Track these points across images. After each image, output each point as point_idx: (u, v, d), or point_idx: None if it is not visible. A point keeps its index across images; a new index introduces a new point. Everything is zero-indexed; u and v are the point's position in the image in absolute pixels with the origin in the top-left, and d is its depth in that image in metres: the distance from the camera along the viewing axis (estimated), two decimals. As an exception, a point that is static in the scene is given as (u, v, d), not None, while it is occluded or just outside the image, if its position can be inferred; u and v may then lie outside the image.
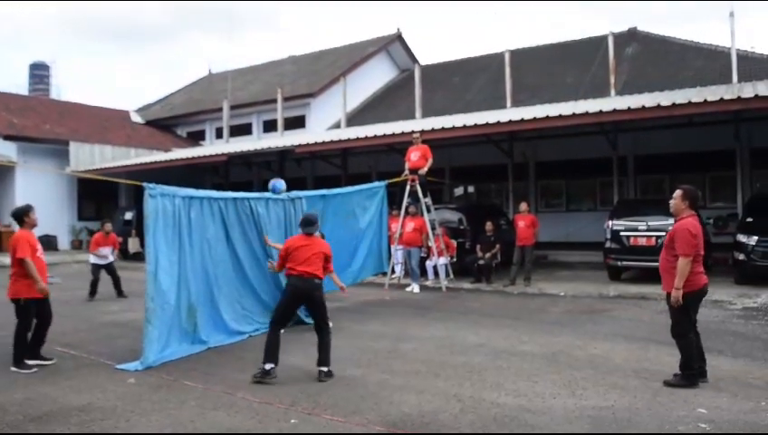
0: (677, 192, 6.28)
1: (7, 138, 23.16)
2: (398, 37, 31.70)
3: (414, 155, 13.51)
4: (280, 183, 9.45)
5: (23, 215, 7.19)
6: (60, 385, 6.30)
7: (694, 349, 6.00)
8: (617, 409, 5.28)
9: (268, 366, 6.22)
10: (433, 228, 13.49)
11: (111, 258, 12.70)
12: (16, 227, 7.42)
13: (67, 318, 9.52)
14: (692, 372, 5.93)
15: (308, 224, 6.81)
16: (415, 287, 13.10)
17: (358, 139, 17.20)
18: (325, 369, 6.35)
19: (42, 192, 22.39)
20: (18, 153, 23.35)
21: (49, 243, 22.53)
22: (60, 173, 23.35)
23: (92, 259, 12.64)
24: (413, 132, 14.13)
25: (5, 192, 23.53)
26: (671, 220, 12.13)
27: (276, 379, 6.20)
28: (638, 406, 5.35)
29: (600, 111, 13.12)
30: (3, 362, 7.25)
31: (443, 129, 15.31)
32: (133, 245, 20.67)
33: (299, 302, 6.79)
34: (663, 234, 12.30)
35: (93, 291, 12.28)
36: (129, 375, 6.63)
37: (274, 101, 25.49)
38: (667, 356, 7.04)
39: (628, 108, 12.79)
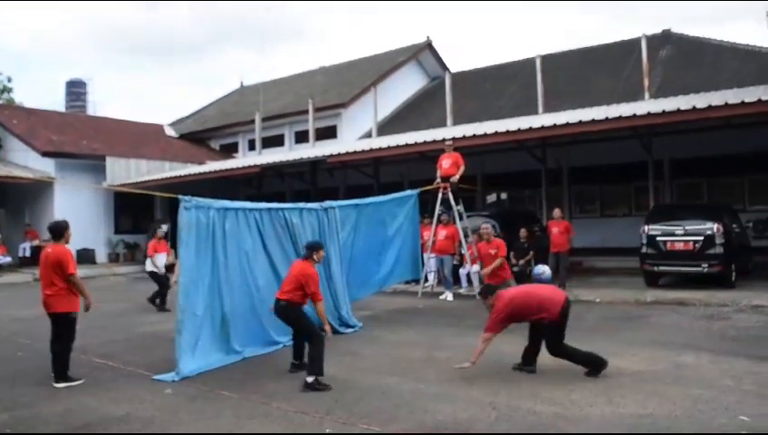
0: None
1: (46, 154, 23.75)
2: (428, 45, 31.70)
3: (446, 162, 13.50)
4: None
5: (64, 231, 7.22)
6: (99, 396, 6.42)
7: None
8: (656, 417, 5.18)
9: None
10: (466, 236, 13.42)
11: (163, 267, 12.99)
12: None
13: (104, 329, 9.72)
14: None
15: (307, 248, 7.29)
16: (448, 295, 13.02)
17: (389, 147, 17.22)
18: (309, 379, 6.35)
19: (79, 207, 22.89)
20: (56, 169, 23.92)
21: (87, 256, 23.00)
22: (97, 187, 23.82)
23: (149, 266, 12.90)
24: (445, 140, 14.11)
25: (45, 208, 24.09)
26: (709, 224, 12.07)
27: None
28: (677, 414, 5.24)
29: (634, 115, 12.94)
30: (41, 375, 7.43)
31: (474, 136, 15.25)
32: (169, 257, 20.97)
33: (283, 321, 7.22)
34: (701, 238, 12.10)
35: (155, 298, 12.74)
36: (166, 386, 6.73)
37: (306, 112, 25.69)
38: (707, 363, 6.90)
39: (663, 111, 12.58)
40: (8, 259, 21.67)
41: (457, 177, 13.25)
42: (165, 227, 21.91)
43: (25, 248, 23.31)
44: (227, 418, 5.54)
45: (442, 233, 13.32)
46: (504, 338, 8.69)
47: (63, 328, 7.05)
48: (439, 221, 13.50)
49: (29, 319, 11.79)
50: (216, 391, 6.45)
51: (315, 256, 7.13)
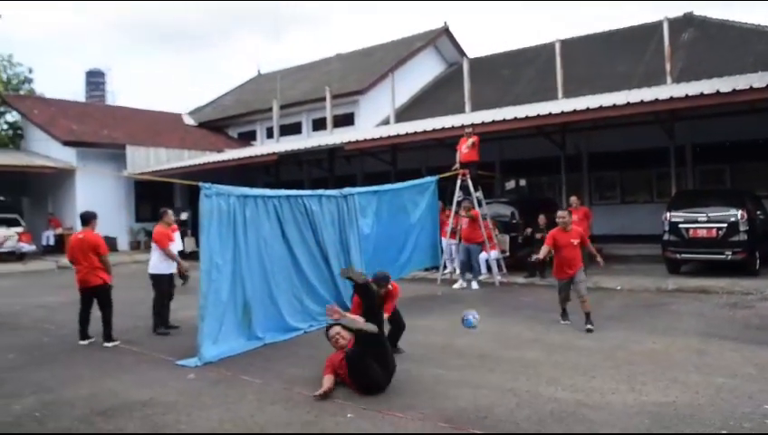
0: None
1: (67, 143, 24.03)
2: (446, 31, 31.47)
3: (464, 148, 13.44)
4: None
5: (92, 219, 8.62)
6: (123, 380, 6.51)
7: None
8: (678, 405, 5.14)
9: None
10: (483, 219, 13.33)
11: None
12: (78, 228, 8.82)
13: (126, 316, 9.82)
14: None
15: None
16: (474, 284, 12.75)
17: (407, 134, 17.18)
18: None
19: (101, 195, 23.16)
20: (78, 158, 24.19)
21: (108, 244, 23.11)
22: (118, 176, 24.06)
23: (159, 266, 12.50)
24: (464, 126, 14.03)
25: (67, 196, 24.43)
26: (732, 211, 11.90)
27: None
28: (700, 402, 5.20)
29: (656, 100, 12.77)
30: (66, 360, 7.56)
31: (493, 121, 15.15)
32: (189, 244, 21.14)
33: None
34: (724, 225, 11.95)
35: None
36: (189, 371, 6.80)
37: (323, 99, 25.68)
38: (730, 351, 6.83)
39: (686, 95, 12.40)
40: (32, 247, 21.98)
41: (471, 142, 13.30)
42: (184, 215, 22.24)
43: (49, 237, 23.66)
44: (250, 402, 5.59)
45: (465, 221, 12.95)
46: (526, 324, 8.70)
47: (104, 297, 8.41)
48: (459, 208, 13.22)
49: (53, 306, 11.99)
50: (238, 377, 6.51)
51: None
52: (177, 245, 11.39)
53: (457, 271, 13.54)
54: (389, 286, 6.98)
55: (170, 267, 9.39)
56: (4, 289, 10.14)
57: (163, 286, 9.28)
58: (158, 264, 9.29)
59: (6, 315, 10.11)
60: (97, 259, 8.36)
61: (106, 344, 8.21)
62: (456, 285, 12.68)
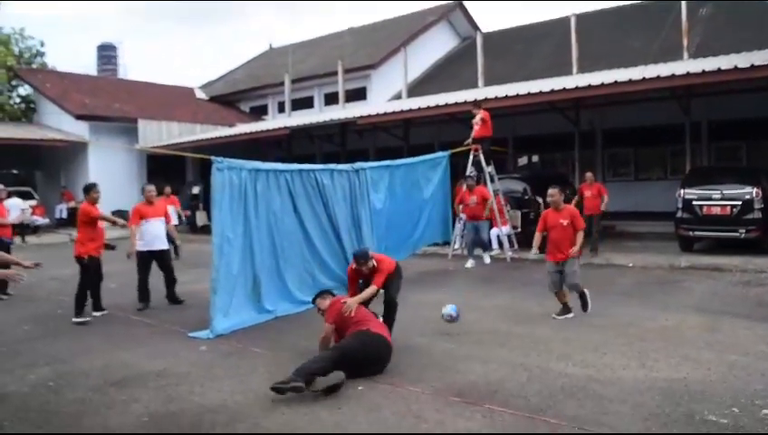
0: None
1: (80, 117, 24.08)
2: (459, 4, 31.11)
3: (474, 123, 13.33)
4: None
5: (88, 190, 8.36)
6: (136, 352, 6.58)
7: None
8: (689, 381, 5.13)
9: None
10: (495, 194, 13.26)
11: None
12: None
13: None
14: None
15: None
16: (486, 258, 12.68)
17: (419, 109, 17.07)
18: None
19: (113, 169, 23.25)
20: (90, 132, 24.26)
21: (121, 217, 23.39)
22: (130, 149, 24.11)
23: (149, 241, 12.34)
24: (475, 101, 13.90)
25: (80, 170, 24.54)
26: (747, 189, 11.76)
27: None
28: (711, 379, 5.18)
29: (673, 75, 12.58)
30: (81, 331, 7.65)
31: (507, 97, 15.01)
32: (201, 218, 21.26)
33: None
34: (738, 203, 11.82)
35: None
36: (201, 343, 6.86)
37: (335, 73, 25.52)
38: (742, 329, 6.80)
39: (703, 71, 12.20)
40: (46, 220, 22.15)
41: (479, 117, 13.15)
42: (196, 189, 22.32)
43: (62, 210, 23.83)
44: (261, 374, 5.63)
45: (473, 199, 12.49)
46: (536, 300, 8.68)
47: (80, 268, 8.19)
48: (468, 187, 12.67)
49: (67, 278, 12.05)
50: (249, 349, 6.56)
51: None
52: (173, 219, 11.56)
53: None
54: (373, 262, 6.70)
55: (146, 245, 8.99)
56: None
57: (140, 264, 8.97)
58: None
59: (21, 288, 10.15)
60: (83, 230, 8.20)
61: (75, 320, 8.05)
62: (468, 264, 12.49)
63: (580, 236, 7.78)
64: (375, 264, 6.66)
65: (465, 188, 12.71)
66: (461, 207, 12.74)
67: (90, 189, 8.36)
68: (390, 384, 5.25)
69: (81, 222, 8.23)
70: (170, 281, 9.22)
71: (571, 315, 7.57)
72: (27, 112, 30.62)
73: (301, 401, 4.91)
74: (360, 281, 6.74)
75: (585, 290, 7.75)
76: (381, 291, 6.67)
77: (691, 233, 12.50)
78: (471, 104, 13.87)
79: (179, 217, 15.81)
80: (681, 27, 17.98)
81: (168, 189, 14.89)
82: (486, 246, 12.81)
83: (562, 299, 7.71)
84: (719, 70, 12.04)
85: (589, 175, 13.17)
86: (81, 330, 7.69)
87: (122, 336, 7.31)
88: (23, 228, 18.74)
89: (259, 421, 4.56)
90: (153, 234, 9.00)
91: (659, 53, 19.49)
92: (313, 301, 6.31)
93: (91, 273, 8.23)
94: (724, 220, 11.94)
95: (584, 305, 7.72)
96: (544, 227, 7.94)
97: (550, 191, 7.96)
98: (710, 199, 12.16)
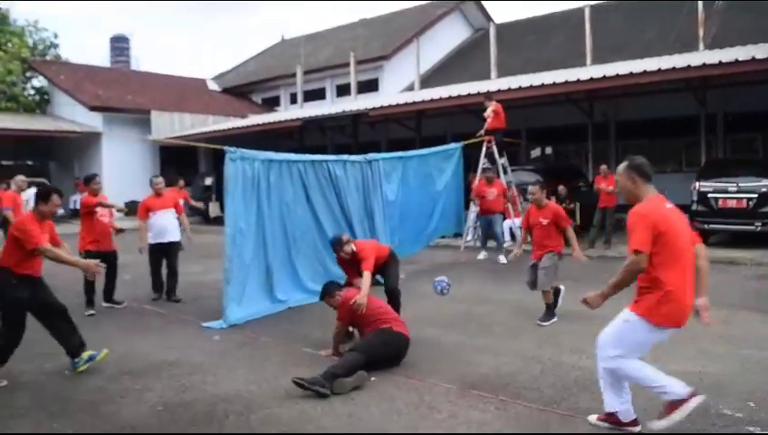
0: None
1: (93, 108, 24.21)
2: (472, -5, 30.94)
3: (486, 115, 13.27)
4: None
5: (86, 182, 8.35)
6: (150, 341, 6.63)
7: None
8: (704, 374, 5.10)
9: None
10: (508, 187, 13.19)
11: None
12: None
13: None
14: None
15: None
16: (501, 258, 11.74)
17: (432, 100, 17.01)
18: None
19: (126, 160, 23.39)
20: (104, 123, 24.39)
21: (135, 208, 23.53)
22: (143, 140, 24.23)
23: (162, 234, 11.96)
24: (487, 92, 13.84)
25: (93, 161, 24.70)
26: (764, 181, 11.63)
27: None
28: (726, 373, 5.16)
29: (689, 66, 12.46)
30: (98, 322, 7.70)
31: (520, 88, 14.93)
32: (213, 209, 21.35)
33: None
34: (755, 196, 11.70)
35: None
36: (215, 333, 6.90)
37: (347, 65, 25.48)
38: (757, 323, 6.74)
39: (720, 62, 12.07)
40: (60, 211, 22.28)
41: (490, 110, 13.01)
42: (209, 180, 22.40)
43: (76, 201, 23.94)
44: (274, 364, 5.66)
45: (492, 192, 12.17)
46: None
47: None
48: (488, 180, 12.35)
49: (81, 268, 12.17)
50: (262, 339, 6.60)
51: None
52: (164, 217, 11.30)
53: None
54: (352, 246, 6.55)
55: (155, 237, 8.78)
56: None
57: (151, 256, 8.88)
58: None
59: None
60: (82, 223, 8.18)
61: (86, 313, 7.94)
62: (480, 256, 12.42)
63: (570, 235, 7.41)
64: (354, 248, 6.53)
65: (483, 180, 12.44)
66: (477, 199, 12.58)
67: (90, 180, 8.24)
68: (404, 376, 5.25)
69: (82, 214, 8.23)
70: (172, 274, 8.96)
71: (555, 320, 7.10)
72: (41, 104, 30.81)
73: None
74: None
75: (557, 295, 7.34)
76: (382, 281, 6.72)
77: (706, 226, 12.38)
78: (483, 96, 13.82)
79: (189, 209, 16.10)
80: (697, 17, 17.77)
81: (181, 182, 14.92)
82: (500, 240, 12.33)
83: (546, 300, 7.27)
84: (736, 61, 11.91)
85: (603, 167, 13.07)
86: (96, 320, 7.75)
87: (136, 326, 7.37)
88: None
89: (273, 411, 4.58)
90: (161, 226, 8.78)
91: (675, 44, 19.29)
92: (322, 297, 6.06)
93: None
94: (739, 213, 11.83)
95: (548, 309, 7.18)
96: (528, 225, 7.66)
97: (530, 189, 7.66)
98: (726, 192, 12.05)
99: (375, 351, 5.36)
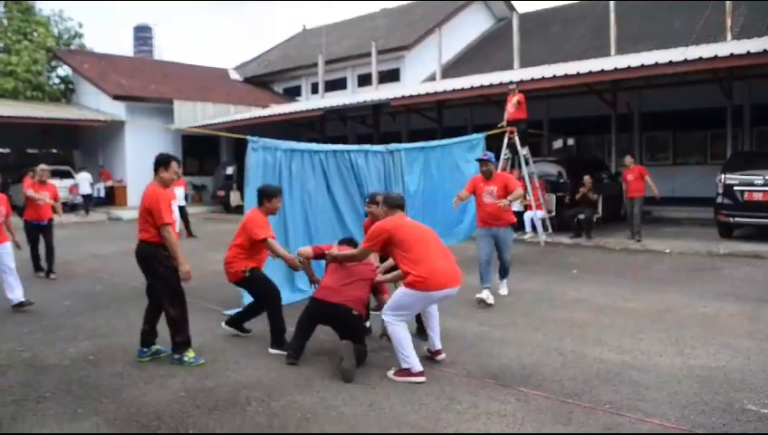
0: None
1: (117, 98, 24.41)
2: (495, -15, 30.64)
3: (510, 106, 13.16)
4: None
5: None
6: (173, 328, 6.67)
7: None
8: (728, 369, 5.04)
9: None
10: (530, 178, 13.06)
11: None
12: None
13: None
14: None
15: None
16: (503, 289, 8.24)
17: (453, 91, 16.92)
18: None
19: (149, 149, 23.22)
20: (127, 112, 24.58)
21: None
22: (166, 128, 24.37)
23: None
24: (511, 83, 13.73)
25: (117, 149, 24.97)
26: (792, 173, 11.41)
27: None
28: (751, 368, 5.08)
29: (716, 57, 12.25)
30: (119, 307, 7.80)
31: (543, 78, 14.78)
32: (234, 198, 21.49)
33: None
34: (783, 189, 11.50)
35: None
36: (236, 321, 6.93)
37: (368, 54, 25.42)
38: (785, 317, 6.64)
39: (748, 52, 11.84)
40: (78, 199, 22.58)
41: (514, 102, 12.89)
42: (230, 170, 22.53)
43: (99, 189, 24.27)
44: (295, 353, 5.68)
45: (489, 191, 11.07)
46: (571, 284, 8.60)
47: None
48: (486, 174, 11.51)
49: (106, 255, 12.38)
50: (283, 328, 6.61)
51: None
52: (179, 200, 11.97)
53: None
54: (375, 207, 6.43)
55: None
56: (59, 239, 10.46)
57: None
58: None
59: (62, 264, 10.44)
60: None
61: None
62: (481, 295, 7.69)
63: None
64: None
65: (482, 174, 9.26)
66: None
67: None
68: (425, 366, 5.25)
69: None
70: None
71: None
72: (66, 93, 31.15)
73: (334, 378, 4.96)
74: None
75: None
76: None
77: (731, 219, 12.22)
78: (507, 87, 13.70)
79: (186, 197, 16.84)
80: (725, 7, 17.44)
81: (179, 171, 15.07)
82: (507, 270, 8.28)
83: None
84: (765, 51, 11.67)
85: (628, 158, 12.92)
86: (121, 305, 7.85)
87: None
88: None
89: (294, 398, 4.61)
90: None
91: (701, 35, 18.96)
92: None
93: None
94: (765, 207, 11.65)
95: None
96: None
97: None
98: (752, 185, 11.85)
99: (301, 317, 5.63)
